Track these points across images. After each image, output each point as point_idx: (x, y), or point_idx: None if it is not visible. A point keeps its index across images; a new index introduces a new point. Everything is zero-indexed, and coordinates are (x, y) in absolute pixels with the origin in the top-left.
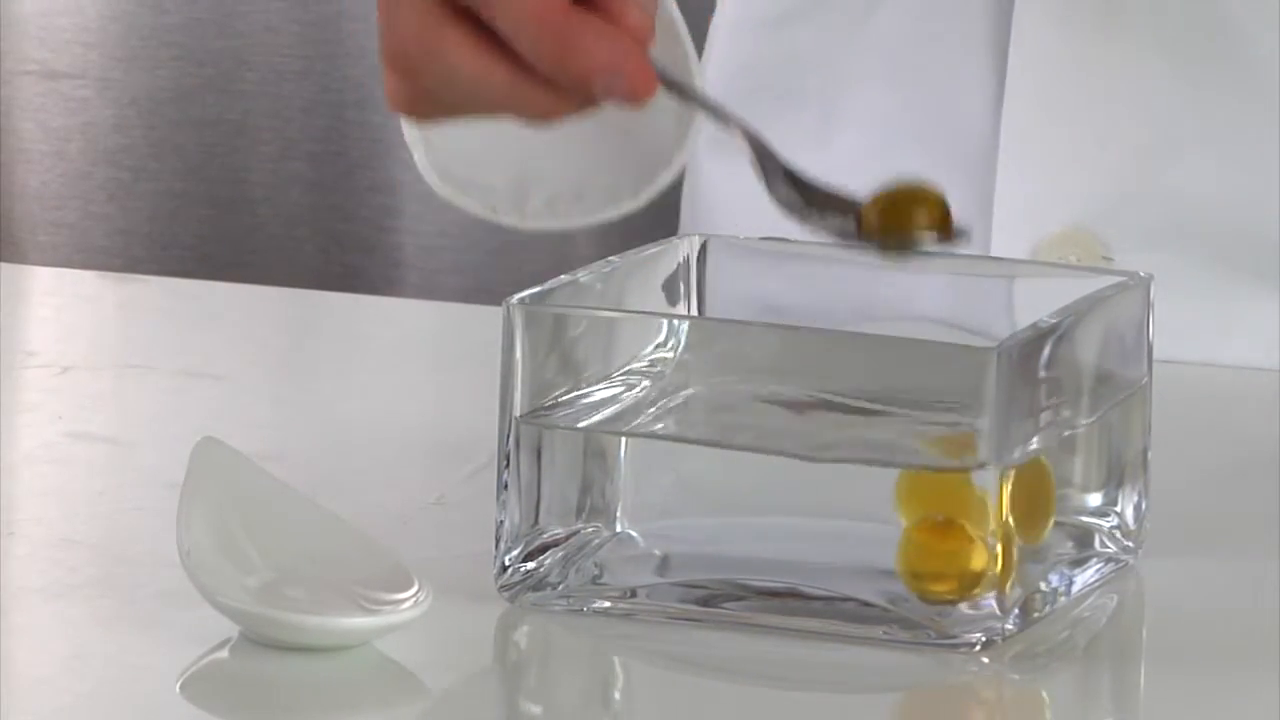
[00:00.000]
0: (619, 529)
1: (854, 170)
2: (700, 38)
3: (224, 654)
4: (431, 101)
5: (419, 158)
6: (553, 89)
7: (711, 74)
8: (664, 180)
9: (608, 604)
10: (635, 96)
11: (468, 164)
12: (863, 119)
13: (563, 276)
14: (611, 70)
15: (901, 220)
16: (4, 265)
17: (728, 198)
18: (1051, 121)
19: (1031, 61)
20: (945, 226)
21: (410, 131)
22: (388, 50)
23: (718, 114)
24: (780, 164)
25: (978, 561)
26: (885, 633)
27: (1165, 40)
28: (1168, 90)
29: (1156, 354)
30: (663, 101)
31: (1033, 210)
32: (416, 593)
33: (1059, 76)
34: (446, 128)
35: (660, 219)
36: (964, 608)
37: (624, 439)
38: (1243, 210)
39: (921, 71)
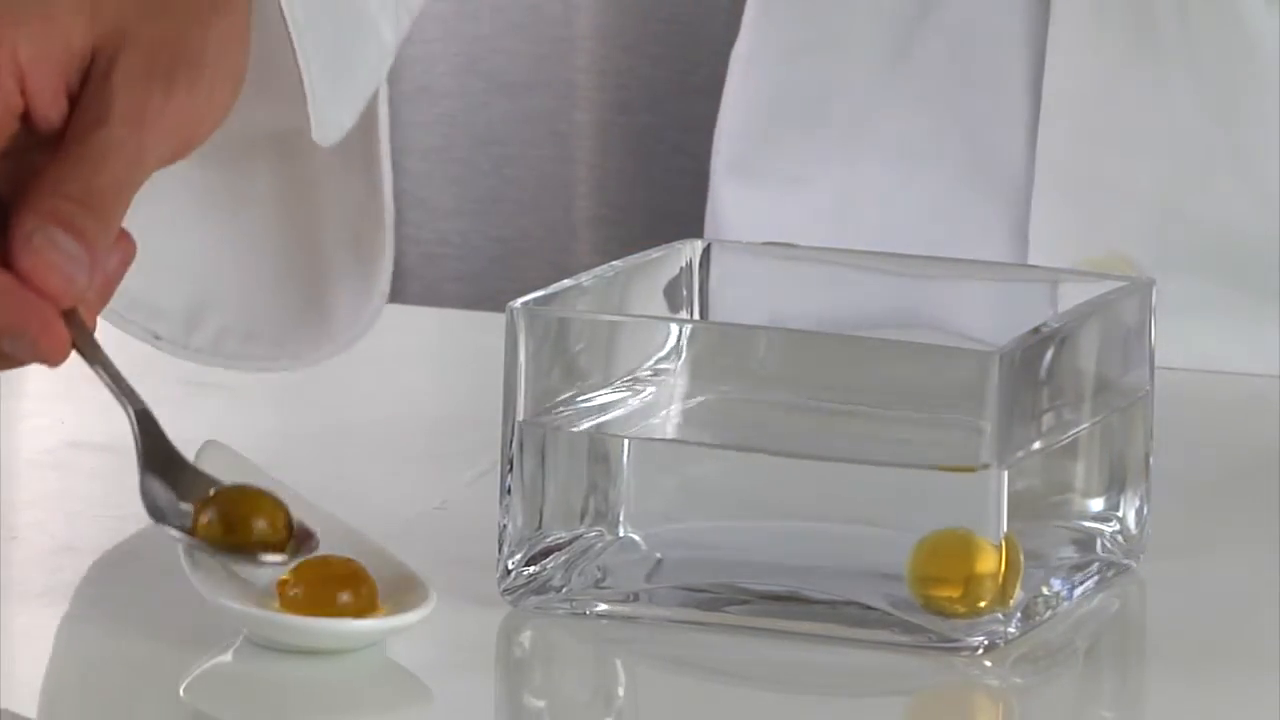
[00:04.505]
0: (622, 533)
1: (881, 195)
2: (722, 69)
3: (227, 657)
4: None
5: None
6: None
7: (733, 103)
8: (326, 352)
9: (610, 607)
10: (46, 359)
11: (143, 280)
12: (891, 146)
13: (566, 281)
14: (12, 333)
15: (237, 527)
16: None
17: (746, 221)
18: (1086, 150)
19: (1066, 92)
20: (285, 532)
21: None
22: None
23: (115, 385)
24: (166, 448)
25: (985, 570)
26: (887, 636)
27: (1196, 69)
28: (1199, 117)
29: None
30: (348, 270)
31: (1068, 237)
32: (420, 596)
33: (1093, 106)
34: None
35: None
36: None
37: (627, 443)
38: (1275, 234)
39: (955, 101)
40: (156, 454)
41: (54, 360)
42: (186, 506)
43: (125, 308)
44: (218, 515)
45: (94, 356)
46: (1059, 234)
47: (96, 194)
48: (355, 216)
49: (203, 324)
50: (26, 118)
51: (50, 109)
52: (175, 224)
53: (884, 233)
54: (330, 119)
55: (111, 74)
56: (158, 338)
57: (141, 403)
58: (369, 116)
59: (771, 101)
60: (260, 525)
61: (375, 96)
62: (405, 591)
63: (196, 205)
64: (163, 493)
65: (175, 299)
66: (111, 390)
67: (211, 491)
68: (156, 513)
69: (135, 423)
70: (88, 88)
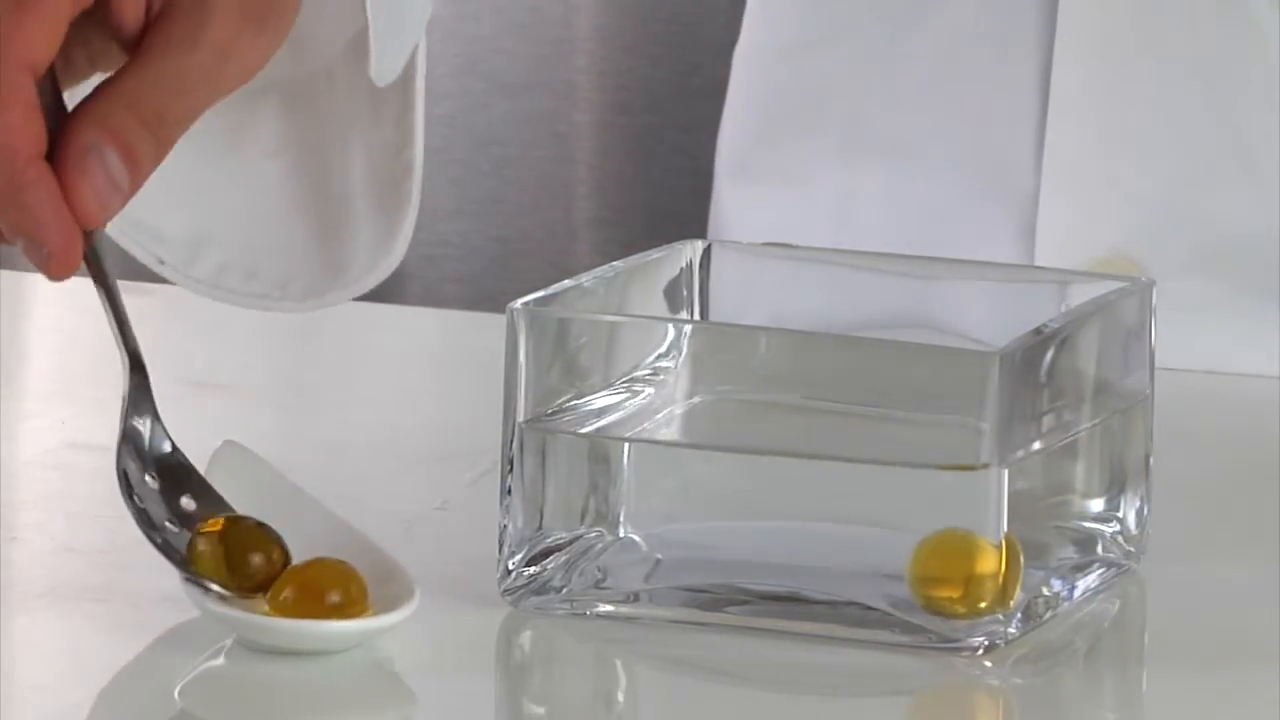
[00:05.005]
0: (622, 533)
1: (884, 196)
2: (725, 67)
3: (224, 660)
4: None
5: None
6: None
7: (735, 104)
8: (333, 299)
9: (610, 608)
10: (48, 273)
11: (146, 203)
12: (894, 146)
13: (566, 281)
14: (34, 239)
15: (231, 571)
16: (6, 274)
17: (749, 221)
18: (1093, 150)
19: (1073, 92)
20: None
21: None
22: None
23: (115, 317)
24: (149, 407)
25: (986, 570)
26: (887, 636)
27: (1201, 69)
28: (1205, 118)
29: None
30: (369, 219)
31: (1074, 238)
32: (405, 594)
33: (1100, 106)
34: None
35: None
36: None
37: (627, 444)
38: (1278, 235)
39: (959, 101)
40: (140, 410)
41: (56, 277)
42: (152, 481)
43: (131, 228)
44: (210, 553)
45: (101, 279)
46: (1064, 236)
47: (164, 117)
48: (384, 166)
49: (203, 255)
50: (104, 5)
51: (129, 9)
52: (176, 153)
53: (887, 233)
54: (386, 59)
55: (207, 3)
56: (161, 263)
57: (135, 343)
58: (406, 68)
59: (772, 101)
60: (254, 563)
61: (415, 50)
62: (392, 590)
63: (197, 138)
64: (134, 468)
65: (177, 227)
66: (109, 321)
67: (210, 521)
68: (127, 490)
69: (127, 365)
70: (176, 10)
